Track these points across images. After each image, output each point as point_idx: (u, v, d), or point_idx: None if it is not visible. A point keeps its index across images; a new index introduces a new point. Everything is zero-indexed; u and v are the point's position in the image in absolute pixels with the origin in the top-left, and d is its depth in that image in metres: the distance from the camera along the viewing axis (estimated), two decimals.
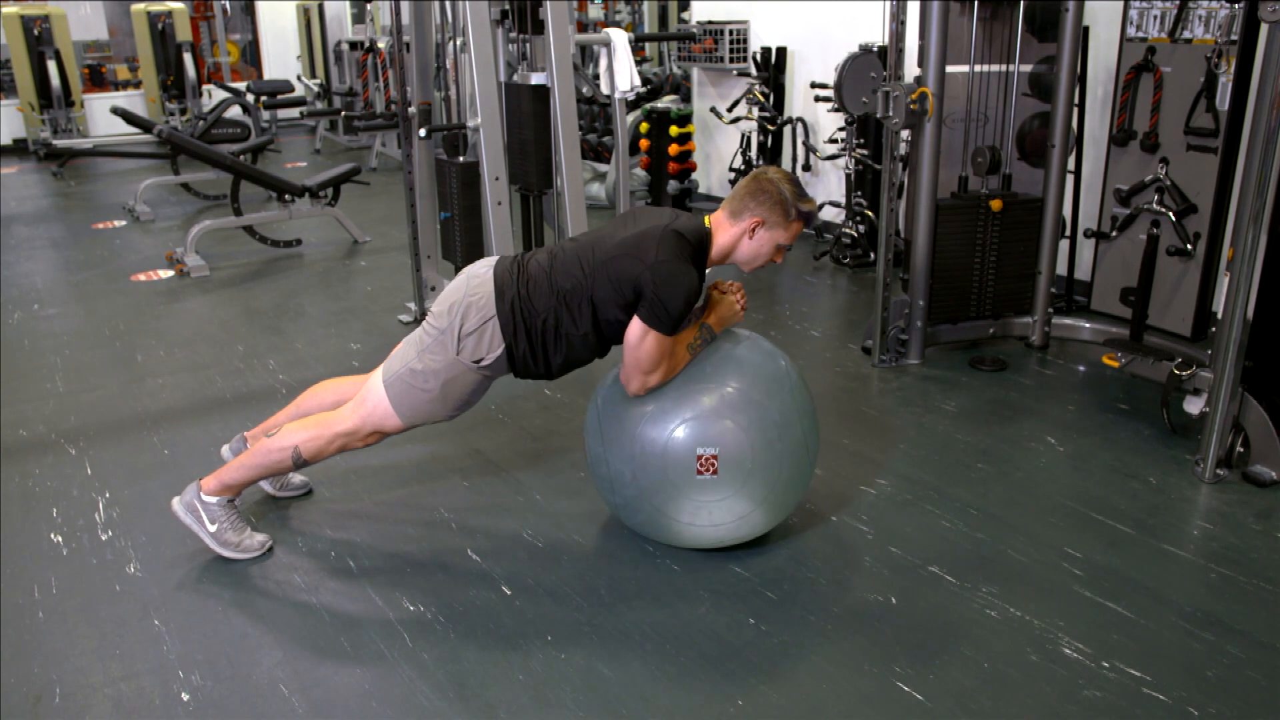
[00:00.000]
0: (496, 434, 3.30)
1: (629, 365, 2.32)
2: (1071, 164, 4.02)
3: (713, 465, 2.31)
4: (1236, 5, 3.14)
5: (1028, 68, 3.82)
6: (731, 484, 2.34)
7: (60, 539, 2.68)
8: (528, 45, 4.09)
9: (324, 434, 2.47)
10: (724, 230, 2.39)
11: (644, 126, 6.41)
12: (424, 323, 2.46)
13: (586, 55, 7.44)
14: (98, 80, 11.24)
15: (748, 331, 2.55)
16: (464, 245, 4.22)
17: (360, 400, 2.47)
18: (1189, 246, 3.41)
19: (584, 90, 4.97)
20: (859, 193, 5.23)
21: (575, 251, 2.39)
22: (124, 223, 6.88)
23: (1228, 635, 2.18)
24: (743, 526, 2.42)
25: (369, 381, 2.50)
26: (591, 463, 2.53)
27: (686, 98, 6.99)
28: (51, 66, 9.46)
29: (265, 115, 10.20)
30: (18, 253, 6.06)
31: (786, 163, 5.87)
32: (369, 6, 9.82)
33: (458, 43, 4.19)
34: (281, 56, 11.99)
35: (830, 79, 4.77)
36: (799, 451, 2.43)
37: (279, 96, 9.57)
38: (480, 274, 2.43)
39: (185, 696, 2.05)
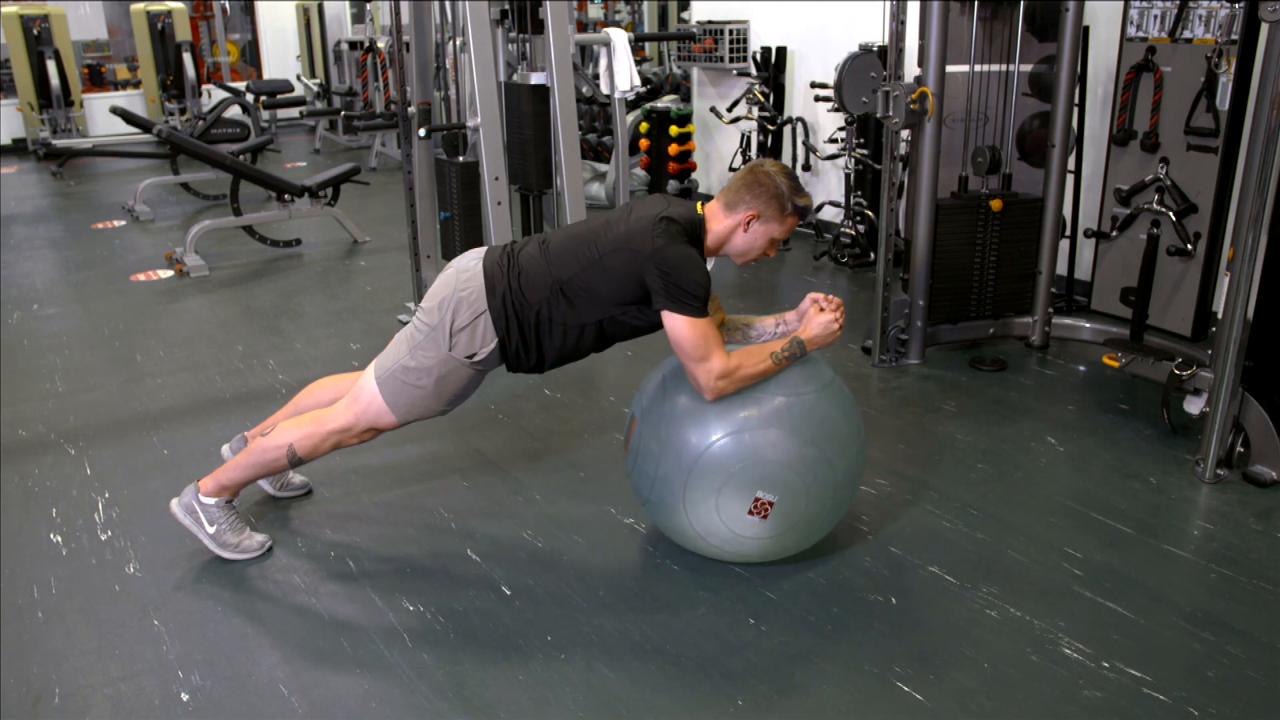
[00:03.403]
0: (496, 434, 3.29)
1: (684, 362, 2.28)
2: (1071, 164, 4.02)
3: (765, 510, 2.27)
4: (1236, 5, 3.14)
5: (1028, 68, 3.82)
6: (773, 529, 2.31)
7: (60, 539, 2.68)
8: (527, 45, 4.09)
9: (318, 431, 2.47)
10: (718, 220, 2.37)
11: (644, 126, 6.42)
12: (414, 318, 2.44)
13: (586, 55, 7.44)
14: (97, 80, 11.23)
15: (834, 370, 2.45)
16: (463, 245, 4.22)
17: (354, 397, 2.47)
18: (1189, 246, 3.41)
19: (584, 90, 4.97)
20: (859, 192, 5.23)
21: (569, 243, 2.36)
22: (123, 223, 6.88)
23: (1228, 635, 2.18)
24: (763, 556, 2.43)
25: (362, 378, 2.49)
26: (636, 454, 2.42)
27: (686, 97, 6.99)
28: (51, 66, 9.46)
29: (265, 115, 10.19)
30: (17, 252, 6.06)
31: (786, 162, 5.86)
32: (369, 6, 9.82)
33: (458, 43, 4.19)
34: (281, 56, 11.97)
35: (830, 79, 4.76)
36: (843, 506, 2.42)
37: (279, 96, 9.56)
38: (470, 268, 2.40)
39: (185, 696, 2.05)
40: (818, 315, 2.36)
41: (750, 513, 2.28)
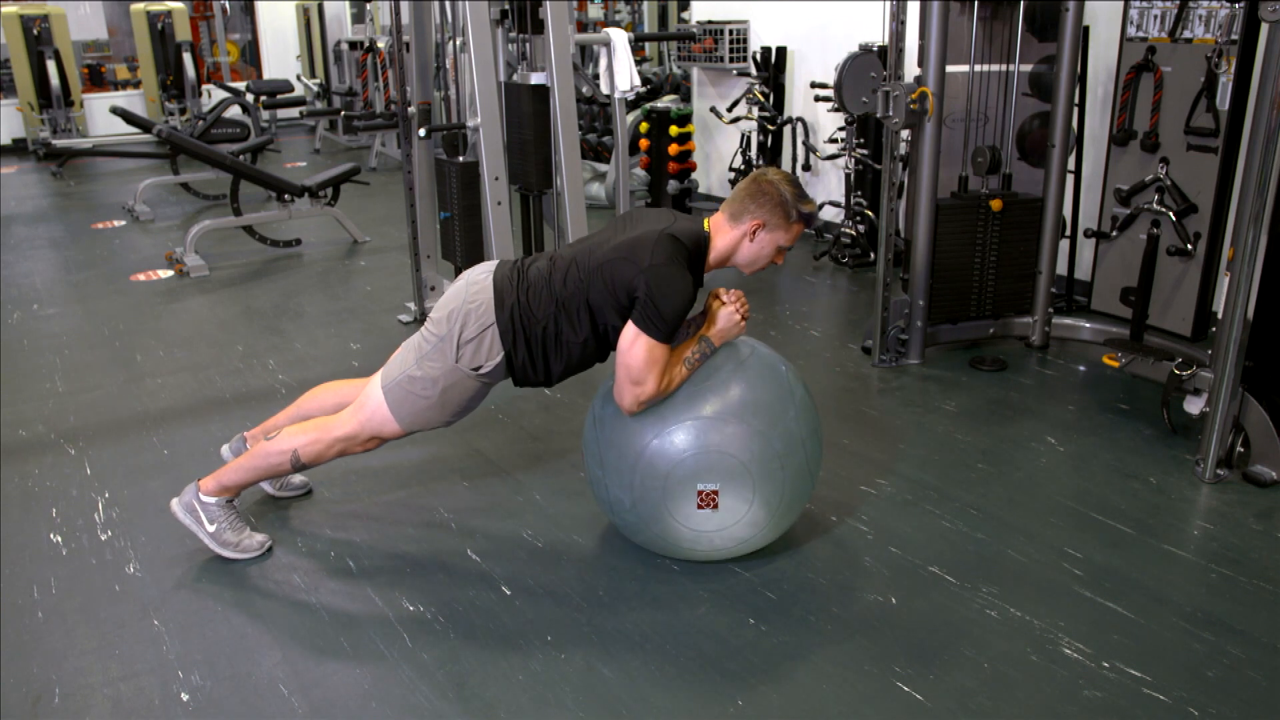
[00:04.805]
0: (496, 434, 3.29)
1: (619, 374, 2.27)
2: (1071, 164, 4.02)
3: (713, 501, 2.28)
4: (1236, 5, 3.14)
5: (1028, 67, 3.82)
6: (733, 515, 2.31)
7: (60, 539, 2.68)
8: (527, 45, 4.09)
9: (323, 438, 2.47)
10: (724, 233, 2.38)
11: (644, 126, 6.41)
12: (423, 329, 2.45)
13: (586, 55, 7.44)
14: (97, 80, 11.23)
15: (751, 342, 2.46)
16: (464, 245, 4.22)
17: (359, 405, 2.47)
18: (1189, 246, 3.41)
19: (584, 90, 4.97)
20: (859, 192, 5.23)
21: (573, 257, 2.38)
22: (123, 223, 6.87)
23: (1228, 635, 2.18)
24: (744, 548, 2.43)
25: (368, 387, 2.49)
26: (591, 483, 2.51)
27: (686, 97, 6.99)
28: (51, 66, 9.46)
29: (265, 115, 10.19)
30: (17, 252, 6.06)
31: (786, 163, 5.87)
32: (369, 6, 9.82)
33: (458, 43, 4.19)
34: (281, 56, 11.98)
35: (830, 79, 4.76)
36: (801, 474, 2.38)
37: (279, 96, 9.56)
38: (480, 280, 2.41)
39: (185, 696, 2.05)
40: (720, 309, 2.38)
41: (700, 507, 2.29)
